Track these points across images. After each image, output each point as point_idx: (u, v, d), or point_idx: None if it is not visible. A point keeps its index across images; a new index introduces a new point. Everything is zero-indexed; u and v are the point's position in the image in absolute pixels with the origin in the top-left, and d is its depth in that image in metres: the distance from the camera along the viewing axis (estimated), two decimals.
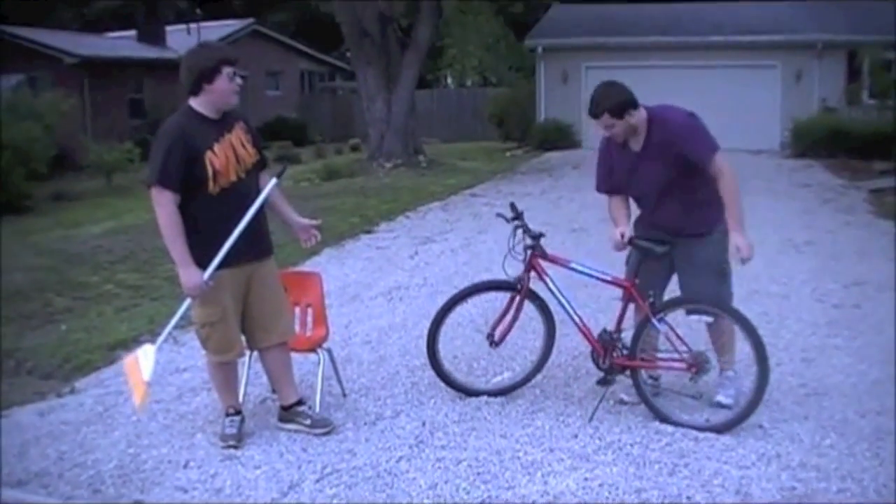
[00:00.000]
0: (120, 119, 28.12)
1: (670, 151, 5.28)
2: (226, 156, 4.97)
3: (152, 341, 5.69)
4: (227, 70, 4.96)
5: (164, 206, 4.85)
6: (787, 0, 27.91)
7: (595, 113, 5.33)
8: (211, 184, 4.92)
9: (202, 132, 4.95)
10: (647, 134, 5.36)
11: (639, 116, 5.32)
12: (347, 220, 13.61)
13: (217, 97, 4.99)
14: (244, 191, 5.06)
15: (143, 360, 5.09)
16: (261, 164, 5.27)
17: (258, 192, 5.16)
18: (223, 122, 5.05)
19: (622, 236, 5.50)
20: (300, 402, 5.46)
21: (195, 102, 5.01)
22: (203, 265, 4.91)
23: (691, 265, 5.54)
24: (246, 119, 5.24)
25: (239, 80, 5.05)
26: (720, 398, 5.59)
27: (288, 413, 5.44)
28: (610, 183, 5.67)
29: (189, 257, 4.88)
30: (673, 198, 5.43)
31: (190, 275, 4.89)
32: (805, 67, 25.32)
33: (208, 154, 4.91)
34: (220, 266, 4.95)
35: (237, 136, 5.07)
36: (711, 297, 5.47)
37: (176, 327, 5.32)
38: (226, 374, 5.34)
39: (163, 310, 8.06)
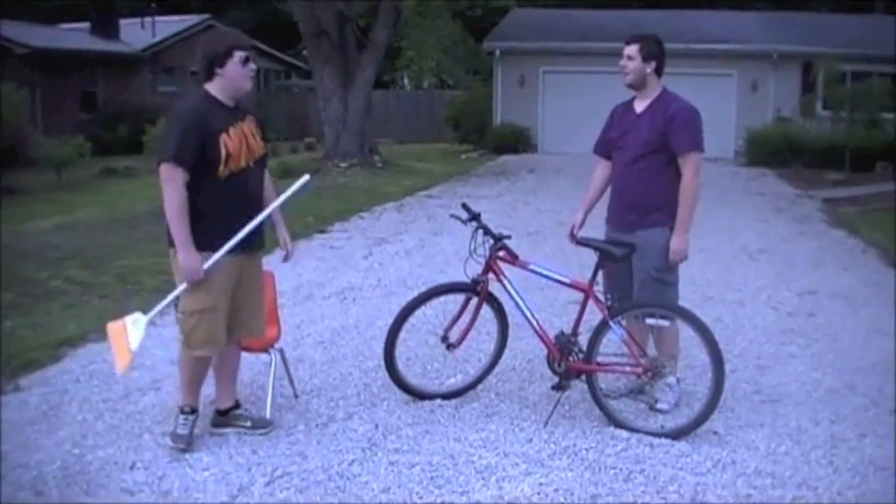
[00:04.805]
0: (71, 112, 27.68)
1: (661, 123, 5.54)
2: (239, 140, 4.92)
3: (103, 340, 5.55)
4: (238, 55, 4.90)
5: (173, 184, 4.76)
6: (744, 10, 28.17)
7: (629, 40, 5.69)
8: (222, 166, 4.85)
9: (218, 114, 4.90)
10: (653, 102, 5.65)
11: (655, 78, 5.67)
12: (301, 219, 13.46)
13: (229, 83, 4.93)
14: (250, 180, 5.04)
15: (132, 328, 4.96)
16: (265, 159, 5.26)
17: (262, 186, 5.18)
18: (237, 110, 5.02)
19: (572, 227, 5.84)
20: (237, 406, 5.36)
21: (210, 87, 4.97)
22: (201, 249, 4.83)
23: (636, 268, 5.61)
24: (255, 116, 5.20)
25: (252, 66, 5.00)
26: (660, 405, 5.61)
27: (224, 417, 5.33)
28: (604, 144, 5.94)
29: (190, 240, 4.79)
30: (643, 171, 5.60)
31: (190, 257, 4.79)
32: (761, 77, 25.64)
33: (223, 136, 4.85)
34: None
35: (248, 127, 5.03)
36: (655, 300, 5.58)
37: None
38: (199, 370, 5.15)
39: (112, 307, 7.89)
